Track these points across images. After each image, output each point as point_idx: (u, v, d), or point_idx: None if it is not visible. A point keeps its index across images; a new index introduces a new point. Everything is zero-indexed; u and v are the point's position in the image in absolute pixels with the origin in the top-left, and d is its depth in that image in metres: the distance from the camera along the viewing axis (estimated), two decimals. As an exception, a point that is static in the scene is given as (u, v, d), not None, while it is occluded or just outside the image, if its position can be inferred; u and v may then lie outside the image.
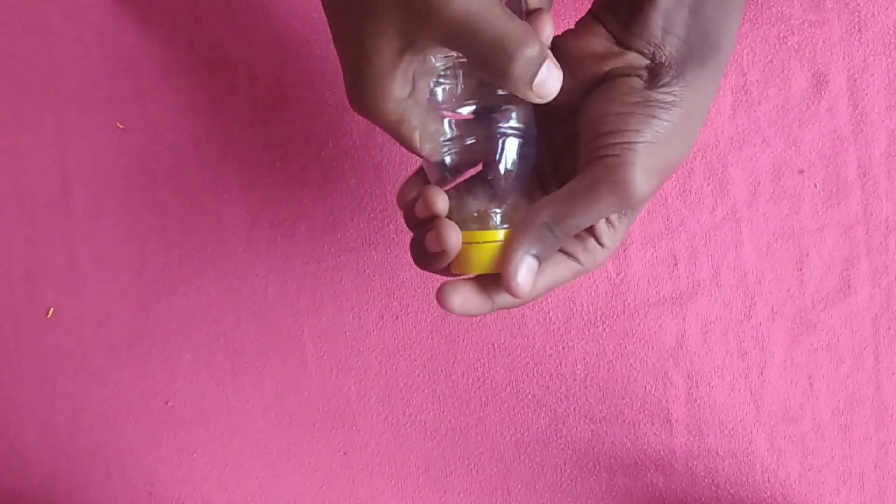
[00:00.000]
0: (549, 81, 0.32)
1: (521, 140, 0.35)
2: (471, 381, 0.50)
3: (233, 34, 0.52)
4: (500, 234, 0.35)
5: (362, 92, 0.34)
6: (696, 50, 0.34)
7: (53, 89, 0.52)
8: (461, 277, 0.36)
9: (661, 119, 0.34)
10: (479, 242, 0.34)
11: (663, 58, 0.34)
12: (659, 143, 0.34)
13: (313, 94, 0.51)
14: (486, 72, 0.33)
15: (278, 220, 0.51)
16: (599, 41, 0.35)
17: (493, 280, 0.35)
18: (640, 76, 0.34)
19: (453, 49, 0.32)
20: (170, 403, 0.51)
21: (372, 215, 0.51)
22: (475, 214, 0.36)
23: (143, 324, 0.51)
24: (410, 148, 0.36)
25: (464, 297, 0.35)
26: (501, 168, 0.35)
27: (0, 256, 0.52)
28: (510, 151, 0.35)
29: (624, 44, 0.34)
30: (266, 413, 0.51)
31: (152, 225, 0.51)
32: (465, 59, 0.34)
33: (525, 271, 0.34)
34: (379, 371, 0.50)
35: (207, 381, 0.51)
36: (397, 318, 0.50)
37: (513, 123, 0.35)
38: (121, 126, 0.52)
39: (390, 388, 0.50)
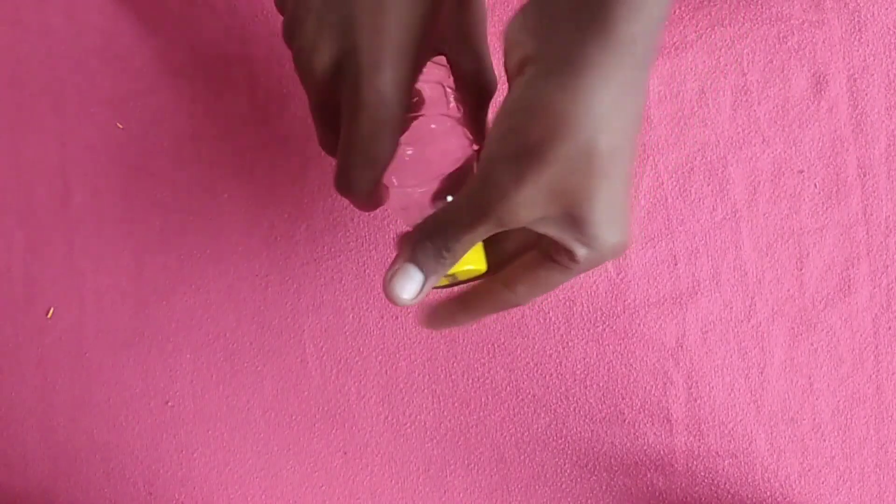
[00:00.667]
0: None
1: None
2: (471, 381, 0.50)
3: (233, 34, 0.52)
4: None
5: (386, 56, 0.33)
6: (578, 45, 0.29)
7: (53, 89, 0.52)
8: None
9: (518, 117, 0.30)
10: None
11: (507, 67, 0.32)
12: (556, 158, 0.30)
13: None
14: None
15: (278, 220, 0.51)
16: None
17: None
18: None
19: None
20: (170, 403, 0.51)
21: (372, 215, 0.51)
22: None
23: (143, 324, 0.51)
24: (375, 127, 0.35)
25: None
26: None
27: (0, 256, 0.52)
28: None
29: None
30: (266, 413, 0.51)
31: (152, 225, 0.51)
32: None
33: (401, 280, 0.34)
34: (379, 371, 0.50)
35: (207, 381, 0.51)
36: (397, 318, 0.50)
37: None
38: (121, 126, 0.52)
39: (390, 388, 0.50)
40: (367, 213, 0.51)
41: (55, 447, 0.51)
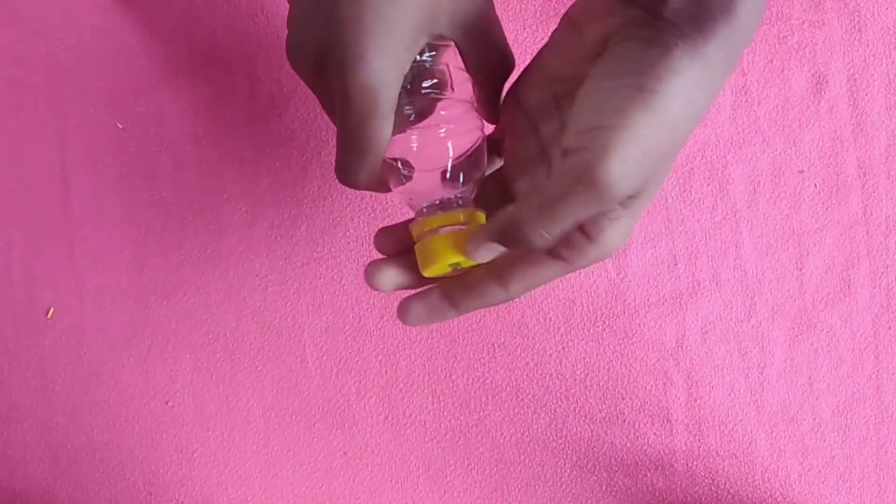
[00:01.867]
0: None
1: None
2: (471, 381, 0.50)
3: (233, 34, 0.52)
4: (459, 217, 0.36)
5: (375, 41, 0.33)
6: (705, 10, 0.29)
7: (53, 89, 0.52)
8: (383, 258, 0.37)
9: (654, 92, 0.29)
10: (435, 228, 0.36)
11: (667, 13, 0.29)
12: (648, 125, 0.29)
13: (313, 95, 0.51)
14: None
15: (278, 220, 0.51)
16: None
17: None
18: (640, 38, 0.30)
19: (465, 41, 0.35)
20: (170, 403, 0.51)
21: (372, 215, 0.51)
22: (436, 203, 0.37)
23: (143, 324, 0.51)
24: (371, 114, 0.34)
25: (391, 276, 0.37)
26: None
27: (0, 256, 0.52)
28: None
29: None
30: (266, 413, 0.51)
31: (152, 225, 0.51)
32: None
33: (483, 249, 0.34)
34: (379, 371, 0.50)
35: (207, 381, 0.51)
36: (397, 318, 0.50)
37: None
38: (121, 126, 0.52)
39: (390, 388, 0.50)
40: (366, 213, 0.51)
41: (55, 447, 0.51)
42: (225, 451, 0.51)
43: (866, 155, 0.50)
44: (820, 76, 0.50)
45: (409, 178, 0.38)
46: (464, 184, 0.37)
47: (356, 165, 0.35)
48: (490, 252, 0.34)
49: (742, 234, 0.50)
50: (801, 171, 0.50)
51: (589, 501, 0.50)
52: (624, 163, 0.29)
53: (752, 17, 0.30)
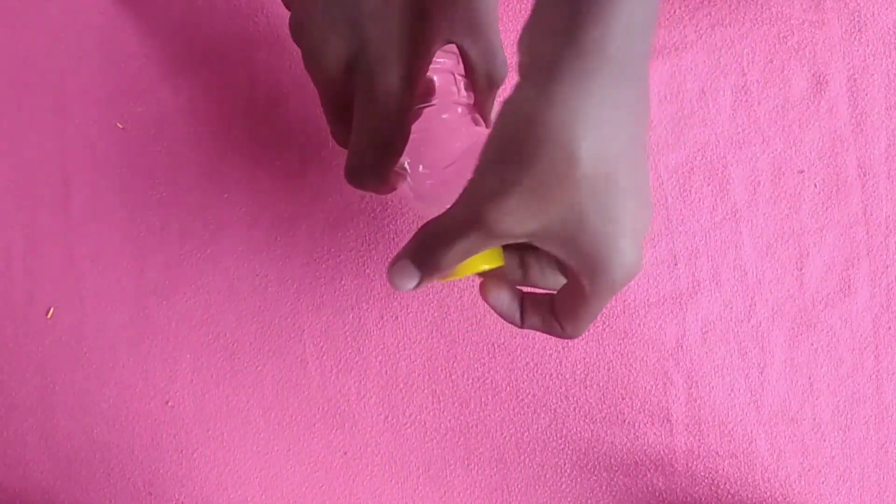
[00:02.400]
0: None
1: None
2: (471, 381, 0.50)
3: (233, 34, 0.52)
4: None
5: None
6: (542, 57, 0.29)
7: (54, 89, 0.52)
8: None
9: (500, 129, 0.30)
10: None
11: (520, 71, 0.31)
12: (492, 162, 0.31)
13: (313, 94, 0.51)
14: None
15: (278, 220, 0.51)
16: None
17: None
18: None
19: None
20: (170, 403, 0.51)
21: (372, 215, 0.51)
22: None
23: (143, 324, 0.51)
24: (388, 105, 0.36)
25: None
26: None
27: (0, 256, 0.52)
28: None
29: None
30: (266, 413, 0.51)
31: (152, 225, 0.51)
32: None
33: (401, 274, 0.35)
34: (379, 371, 0.50)
35: (207, 380, 0.51)
36: (397, 318, 0.50)
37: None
38: (121, 126, 0.52)
39: (390, 388, 0.50)
40: (366, 213, 0.51)
41: (55, 447, 0.51)
42: (225, 451, 0.51)
43: (866, 155, 0.50)
44: (820, 76, 0.50)
45: (415, 179, 0.38)
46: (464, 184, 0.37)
47: (373, 165, 0.37)
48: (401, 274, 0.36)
49: (742, 234, 0.50)
50: (801, 171, 0.50)
51: (589, 501, 0.50)
52: (503, 207, 0.30)
53: (615, 38, 0.28)
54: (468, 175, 0.36)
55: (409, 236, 0.50)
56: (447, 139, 0.39)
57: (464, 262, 0.35)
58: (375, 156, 0.37)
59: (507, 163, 0.30)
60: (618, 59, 0.28)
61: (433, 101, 0.39)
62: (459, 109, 0.40)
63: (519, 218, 0.31)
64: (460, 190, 0.37)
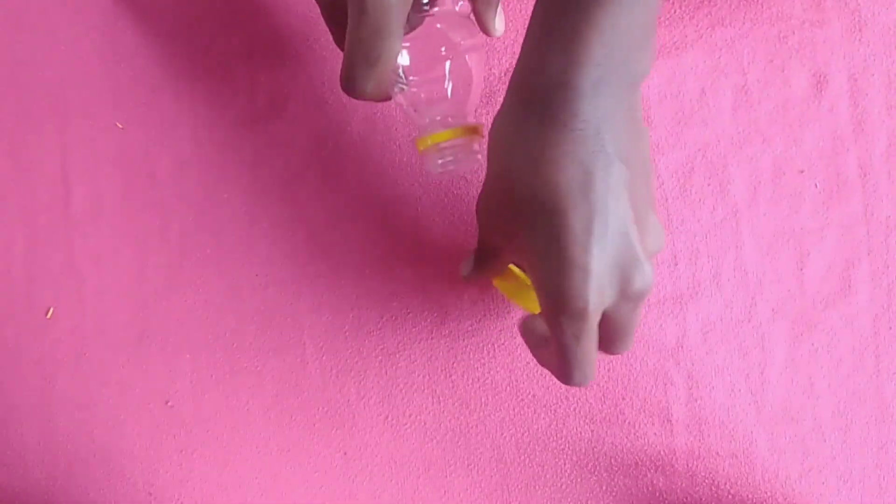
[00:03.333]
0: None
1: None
2: (471, 381, 0.50)
3: (233, 34, 0.52)
4: (456, 132, 0.41)
5: None
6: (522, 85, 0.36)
7: (54, 89, 0.52)
8: None
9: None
10: (439, 141, 0.41)
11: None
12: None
13: (313, 94, 0.51)
14: None
15: (278, 220, 0.51)
16: None
17: None
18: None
19: None
20: (170, 403, 0.51)
21: (372, 215, 0.51)
22: (437, 119, 0.42)
23: (143, 324, 0.51)
24: (380, 41, 0.38)
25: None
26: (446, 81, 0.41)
27: (0, 256, 0.52)
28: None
29: None
30: (266, 413, 0.51)
31: (152, 225, 0.51)
32: None
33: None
34: (379, 371, 0.50)
35: (207, 380, 0.51)
36: (397, 318, 0.50)
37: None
38: (121, 126, 0.52)
39: (390, 388, 0.50)
40: (366, 213, 0.51)
41: (55, 447, 0.51)
42: (225, 451, 0.51)
43: (867, 155, 0.50)
44: (820, 76, 0.50)
45: (410, 88, 0.40)
46: (459, 94, 0.40)
47: (365, 75, 0.38)
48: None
49: (742, 234, 0.50)
50: (802, 171, 0.50)
51: (589, 502, 0.50)
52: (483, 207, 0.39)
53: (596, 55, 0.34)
54: (463, 85, 0.40)
55: (408, 237, 0.50)
56: (443, 49, 0.40)
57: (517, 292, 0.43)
58: (367, 66, 0.38)
59: (488, 164, 0.38)
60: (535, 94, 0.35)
61: (430, 11, 0.40)
62: (455, 19, 0.40)
63: (493, 218, 0.39)
64: (455, 101, 0.39)
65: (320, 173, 0.51)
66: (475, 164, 0.42)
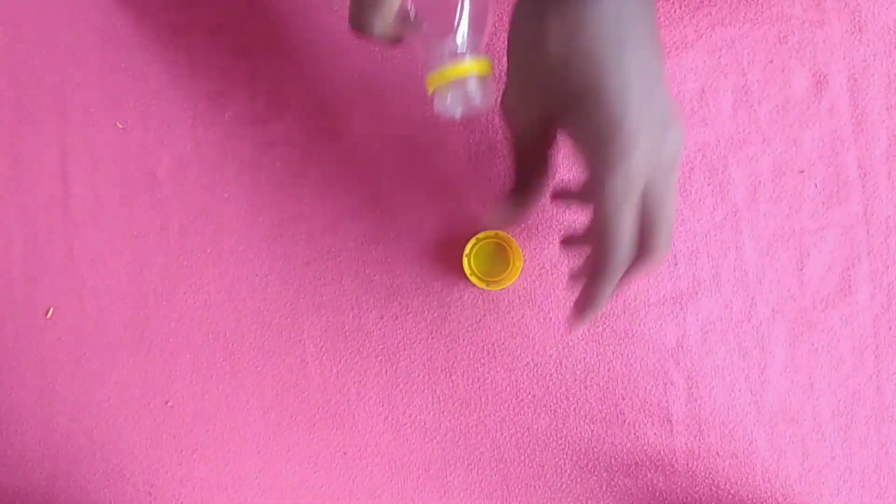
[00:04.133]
0: None
1: None
2: (471, 381, 0.50)
3: (233, 34, 0.52)
4: (474, 65, 0.40)
5: None
6: None
7: (53, 89, 0.52)
8: None
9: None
10: (453, 75, 0.40)
11: None
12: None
13: (313, 95, 0.51)
14: None
15: (278, 220, 0.51)
16: None
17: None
18: None
19: None
20: (169, 403, 0.51)
21: (372, 215, 0.51)
22: (449, 52, 0.41)
23: (143, 324, 0.51)
24: None
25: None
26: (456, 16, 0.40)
27: (0, 256, 0.52)
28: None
29: None
30: (266, 413, 0.51)
31: (152, 225, 0.51)
32: None
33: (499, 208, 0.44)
34: (379, 371, 0.50)
35: (207, 380, 0.51)
36: (397, 318, 0.50)
37: None
38: (120, 126, 0.52)
39: (390, 388, 0.50)
40: (366, 213, 0.51)
41: (55, 447, 0.51)
42: (225, 451, 0.51)
43: (867, 155, 0.50)
44: (820, 76, 0.50)
45: (419, 26, 0.40)
46: (471, 30, 0.40)
47: (372, 14, 0.39)
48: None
49: (742, 234, 0.50)
50: (802, 171, 0.50)
51: (589, 501, 0.50)
52: (507, 97, 0.41)
53: None
54: (476, 14, 0.41)
55: (408, 237, 0.50)
56: None
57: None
58: (371, 6, 0.38)
59: (508, 59, 0.39)
60: None
61: None
62: None
63: (523, 102, 0.39)
64: (471, 31, 0.40)
65: (320, 174, 0.51)
66: (489, 102, 0.41)
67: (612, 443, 0.50)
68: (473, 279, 0.48)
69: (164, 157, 0.51)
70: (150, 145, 0.52)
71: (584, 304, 0.41)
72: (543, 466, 0.50)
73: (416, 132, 0.51)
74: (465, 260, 0.48)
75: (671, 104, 0.37)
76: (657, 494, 0.50)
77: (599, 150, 0.36)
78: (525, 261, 0.50)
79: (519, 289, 0.50)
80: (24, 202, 0.52)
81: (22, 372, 0.51)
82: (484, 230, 0.49)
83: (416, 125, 0.51)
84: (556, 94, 0.37)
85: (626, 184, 0.36)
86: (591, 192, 0.37)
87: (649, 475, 0.50)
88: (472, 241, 0.49)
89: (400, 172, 0.51)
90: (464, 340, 0.50)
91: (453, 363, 0.50)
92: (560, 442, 0.50)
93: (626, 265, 0.39)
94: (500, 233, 0.49)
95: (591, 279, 0.40)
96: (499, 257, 0.49)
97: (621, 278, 0.40)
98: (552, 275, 0.50)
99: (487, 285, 0.48)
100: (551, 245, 0.50)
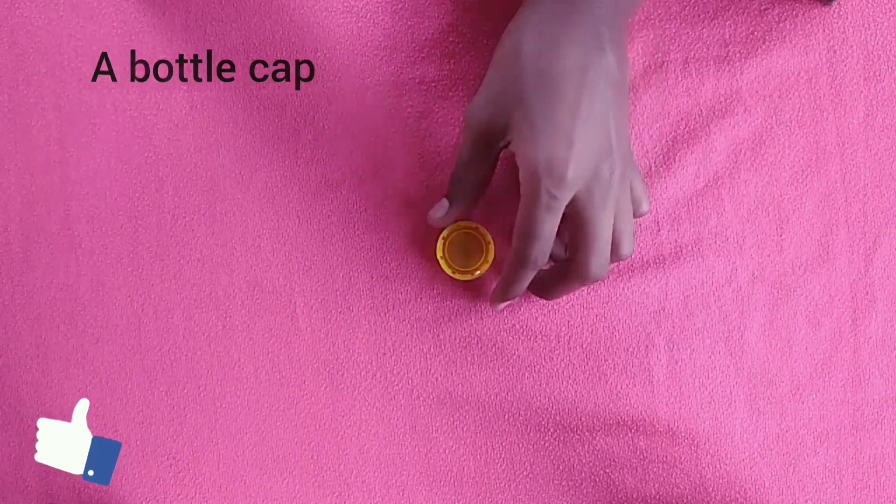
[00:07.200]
0: None
1: None
2: (457, 340, 0.51)
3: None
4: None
5: None
6: None
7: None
8: None
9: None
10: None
11: None
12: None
13: (309, 59, 0.52)
14: None
15: (271, 180, 0.52)
16: None
17: None
18: None
19: None
20: (163, 360, 0.52)
21: (363, 177, 0.52)
22: None
23: (136, 282, 0.52)
24: None
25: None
26: None
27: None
28: None
29: None
30: (257, 370, 0.52)
31: (147, 186, 0.52)
32: None
33: (435, 210, 0.48)
34: (368, 330, 0.51)
35: (199, 338, 0.52)
36: (387, 278, 0.51)
37: None
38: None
39: (379, 346, 0.51)
40: (358, 175, 0.52)
41: (49, 405, 0.52)
42: (216, 408, 0.52)
43: (845, 124, 0.51)
44: (800, 47, 0.51)
45: None
46: None
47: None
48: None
49: (724, 201, 0.51)
50: (782, 140, 0.51)
51: (572, 460, 0.51)
52: (475, 102, 0.44)
53: None
54: None
55: (398, 198, 0.51)
56: None
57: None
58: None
59: (489, 68, 0.44)
60: None
61: None
62: None
63: (488, 111, 0.42)
64: None
65: (313, 136, 0.52)
66: None
67: (594, 402, 0.51)
68: (443, 265, 0.50)
69: (159, 117, 0.52)
70: (146, 106, 0.52)
71: (497, 291, 0.47)
72: (527, 425, 0.51)
73: (413, 99, 0.52)
74: (440, 243, 0.50)
75: (620, 140, 0.42)
76: (638, 453, 0.51)
77: (541, 153, 0.40)
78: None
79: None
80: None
81: (17, 330, 0.52)
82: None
83: (411, 91, 0.52)
84: (520, 90, 0.41)
85: (556, 188, 0.40)
86: (525, 189, 0.41)
87: (630, 434, 0.51)
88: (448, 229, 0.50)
89: (392, 134, 0.52)
90: (451, 301, 0.51)
91: (441, 323, 0.51)
92: (543, 401, 0.51)
93: (539, 265, 0.43)
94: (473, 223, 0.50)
95: (506, 268, 0.45)
96: (472, 248, 0.51)
97: (556, 287, 0.45)
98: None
99: (462, 275, 0.51)
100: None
